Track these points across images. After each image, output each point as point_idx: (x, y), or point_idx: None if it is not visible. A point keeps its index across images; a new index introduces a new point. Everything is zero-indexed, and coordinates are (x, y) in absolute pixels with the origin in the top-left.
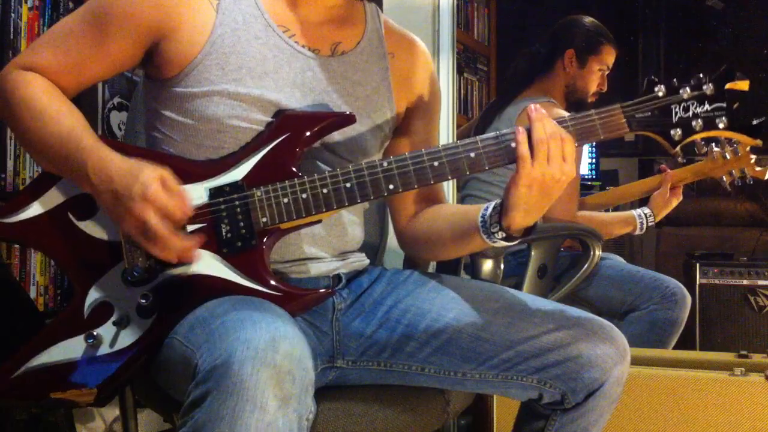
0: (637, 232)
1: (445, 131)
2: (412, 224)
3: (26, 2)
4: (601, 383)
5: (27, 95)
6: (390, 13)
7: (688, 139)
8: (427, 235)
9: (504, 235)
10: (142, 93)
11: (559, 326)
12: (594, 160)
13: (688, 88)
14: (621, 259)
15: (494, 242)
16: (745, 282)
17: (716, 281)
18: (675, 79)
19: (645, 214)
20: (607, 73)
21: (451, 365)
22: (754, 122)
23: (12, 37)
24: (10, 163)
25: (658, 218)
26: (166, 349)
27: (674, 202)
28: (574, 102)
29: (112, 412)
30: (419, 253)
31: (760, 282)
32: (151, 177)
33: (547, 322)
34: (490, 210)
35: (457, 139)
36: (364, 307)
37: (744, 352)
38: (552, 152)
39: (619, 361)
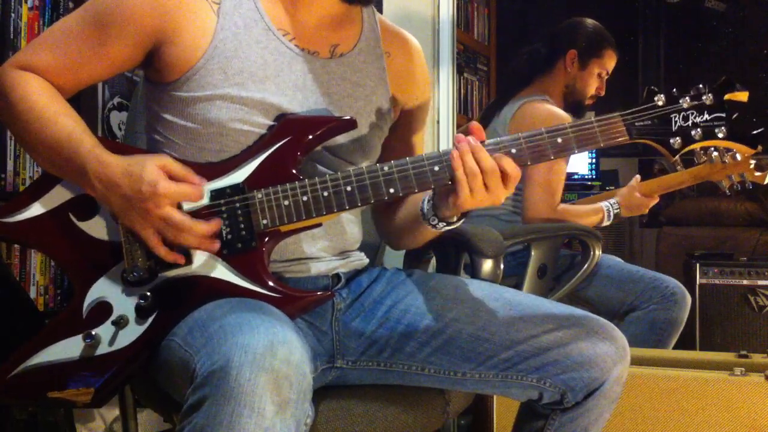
0: (605, 222)
1: (446, 131)
2: (384, 215)
3: (26, 2)
4: (601, 383)
5: (25, 96)
6: (390, 13)
7: (687, 148)
8: (394, 225)
9: (444, 224)
10: (143, 95)
11: (558, 325)
12: (594, 160)
13: (687, 98)
14: (620, 260)
15: (439, 229)
16: (745, 282)
17: (716, 281)
18: (675, 89)
19: (610, 203)
20: (606, 78)
21: (451, 365)
22: (753, 132)
23: (12, 37)
24: (10, 163)
25: (625, 210)
26: (165, 350)
27: (646, 201)
28: (572, 103)
29: (112, 412)
30: (392, 244)
31: (760, 282)
32: (154, 172)
33: (547, 321)
34: (425, 206)
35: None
36: (364, 306)
37: (744, 352)
38: (490, 187)
39: (618, 361)
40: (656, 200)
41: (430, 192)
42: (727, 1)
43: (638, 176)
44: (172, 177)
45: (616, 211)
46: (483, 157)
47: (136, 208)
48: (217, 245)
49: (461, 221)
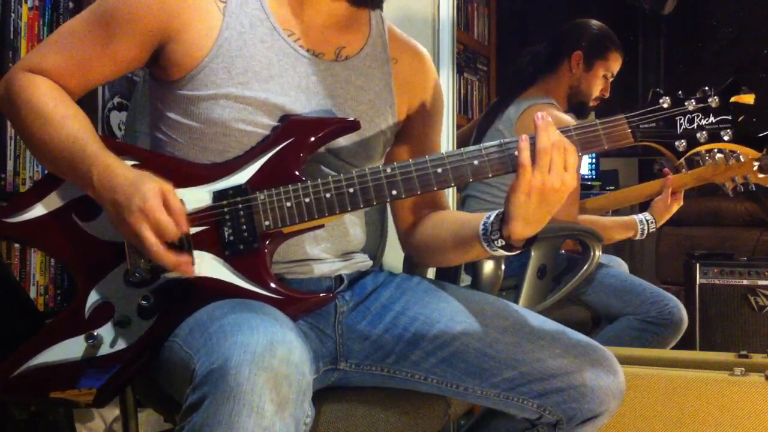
0: (638, 237)
1: (445, 131)
2: (416, 230)
3: (26, 2)
4: (597, 414)
5: (33, 98)
6: (390, 13)
7: (693, 151)
8: (429, 241)
9: (503, 243)
10: (148, 94)
11: (565, 352)
12: (594, 160)
13: (693, 101)
14: (625, 267)
15: (494, 251)
16: (745, 282)
17: (716, 281)
18: (680, 91)
19: (647, 220)
20: (611, 80)
21: (454, 378)
22: (759, 135)
23: (12, 37)
24: (10, 163)
25: (660, 224)
26: (167, 351)
27: (675, 207)
28: (576, 104)
29: (112, 412)
30: (422, 259)
31: (760, 282)
32: (151, 191)
33: (554, 346)
34: (492, 218)
35: (457, 139)
36: (370, 310)
37: (744, 352)
38: (554, 161)
39: (618, 395)
40: (680, 202)
41: (495, 211)
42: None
43: (670, 177)
44: (166, 205)
45: (652, 230)
46: (553, 132)
47: (121, 217)
48: (190, 271)
49: (517, 251)
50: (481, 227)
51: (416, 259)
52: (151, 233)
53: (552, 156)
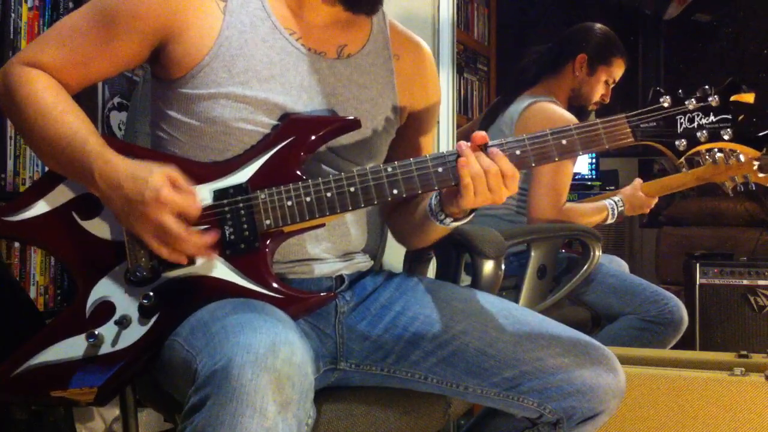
0: (610, 219)
1: (445, 131)
2: (396, 215)
3: (26, 2)
4: (597, 413)
5: (31, 93)
6: (390, 13)
7: (693, 150)
8: (401, 224)
9: (452, 220)
10: (149, 92)
11: (565, 350)
12: (594, 161)
13: (693, 100)
14: (625, 266)
15: (448, 225)
16: (745, 282)
17: (716, 281)
18: (680, 90)
19: (615, 201)
20: (612, 86)
21: (454, 377)
22: (759, 134)
23: (12, 37)
24: (10, 163)
25: (629, 209)
26: (168, 350)
27: (648, 204)
28: (576, 107)
29: (112, 412)
30: (403, 242)
31: (760, 282)
32: (160, 179)
33: (554, 345)
34: (434, 201)
35: (458, 137)
36: (370, 310)
37: (744, 352)
38: (492, 186)
39: (617, 394)
40: (656, 200)
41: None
42: (712, 12)
43: (639, 179)
44: (175, 188)
45: (620, 209)
46: (483, 160)
47: (136, 212)
48: (214, 254)
49: (469, 218)
50: (428, 211)
51: (402, 243)
52: (174, 220)
53: (489, 182)
